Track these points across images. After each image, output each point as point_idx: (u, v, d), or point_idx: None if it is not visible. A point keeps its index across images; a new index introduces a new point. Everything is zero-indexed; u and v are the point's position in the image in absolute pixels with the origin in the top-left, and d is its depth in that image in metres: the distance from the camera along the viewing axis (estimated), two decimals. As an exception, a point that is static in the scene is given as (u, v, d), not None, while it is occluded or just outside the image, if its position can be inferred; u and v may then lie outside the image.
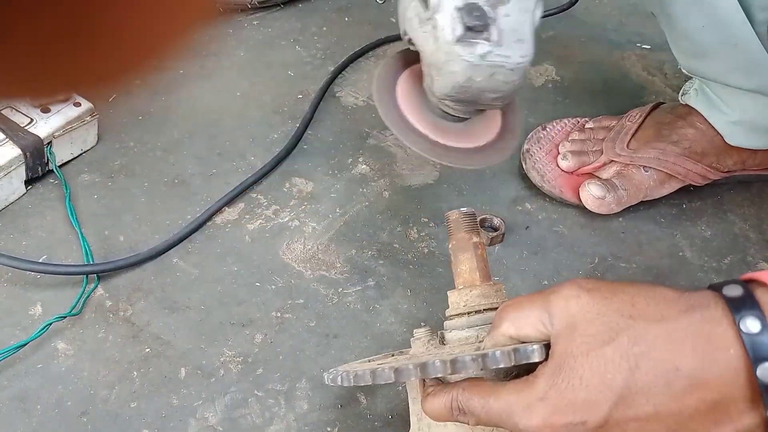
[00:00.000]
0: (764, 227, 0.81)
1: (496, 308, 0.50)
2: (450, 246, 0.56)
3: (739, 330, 0.37)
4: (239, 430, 0.62)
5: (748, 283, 0.39)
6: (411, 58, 0.62)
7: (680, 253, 0.78)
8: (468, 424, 0.45)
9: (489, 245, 0.76)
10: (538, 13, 0.55)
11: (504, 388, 0.43)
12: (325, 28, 1.04)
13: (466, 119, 0.62)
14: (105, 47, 0.18)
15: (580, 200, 0.79)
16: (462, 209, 0.56)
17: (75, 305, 0.68)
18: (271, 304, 0.71)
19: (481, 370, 0.44)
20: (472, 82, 0.53)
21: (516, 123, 0.64)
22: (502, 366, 0.43)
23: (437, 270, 0.74)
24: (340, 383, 0.50)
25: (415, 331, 0.54)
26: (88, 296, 0.69)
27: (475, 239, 0.55)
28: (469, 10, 0.52)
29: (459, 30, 0.52)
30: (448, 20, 0.52)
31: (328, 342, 0.68)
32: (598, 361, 0.39)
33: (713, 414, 0.38)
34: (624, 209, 0.80)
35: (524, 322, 0.43)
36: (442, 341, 0.53)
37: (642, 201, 0.80)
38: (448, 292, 0.54)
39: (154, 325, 0.68)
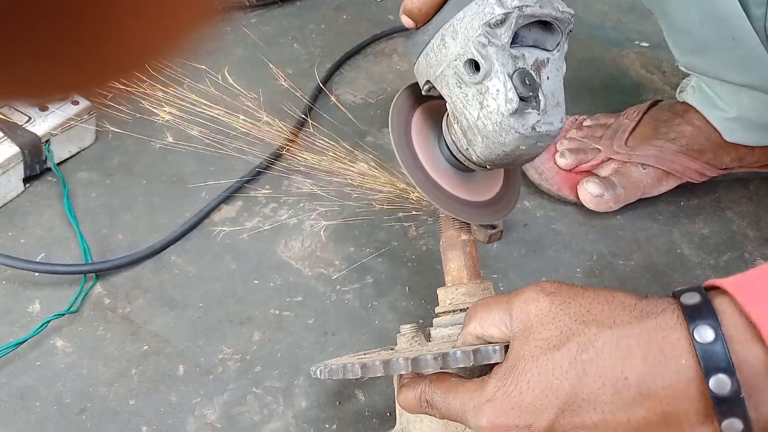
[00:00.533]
0: (762, 224, 0.81)
1: None
2: (441, 244, 0.56)
3: (692, 339, 0.36)
4: (238, 428, 0.62)
5: (709, 290, 0.38)
6: (419, 96, 0.58)
7: (678, 251, 0.78)
8: (436, 417, 0.46)
9: (487, 242, 0.76)
10: (563, 68, 0.53)
11: (462, 386, 0.43)
12: (323, 26, 1.04)
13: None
14: (105, 47, 0.18)
15: (578, 198, 0.79)
16: None
17: (73, 303, 0.68)
18: (270, 302, 0.71)
19: (441, 369, 0.44)
20: (519, 151, 0.50)
21: (517, 180, 0.61)
22: (461, 365, 0.43)
23: (435, 267, 0.74)
24: (318, 376, 0.51)
25: (401, 327, 0.54)
26: (87, 294, 0.69)
27: (464, 237, 0.55)
28: (521, 77, 0.48)
29: (515, 102, 0.48)
30: (501, 89, 0.48)
31: (326, 339, 0.68)
32: (547, 366, 0.39)
33: (664, 426, 0.37)
34: (622, 207, 0.80)
35: (489, 323, 0.43)
36: (428, 338, 0.53)
37: (640, 198, 0.80)
38: (438, 290, 0.55)
39: (152, 323, 0.68)
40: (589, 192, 0.78)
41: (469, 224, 0.56)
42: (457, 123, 0.52)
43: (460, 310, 0.52)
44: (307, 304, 0.71)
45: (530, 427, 0.39)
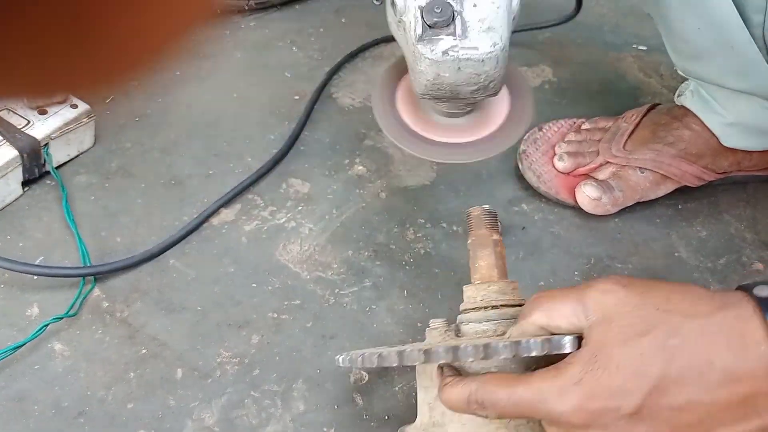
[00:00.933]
0: (759, 228, 0.81)
1: (513, 305, 0.52)
2: (469, 242, 0.56)
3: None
4: (236, 431, 0.62)
5: None
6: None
7: (676, 254, 0.78)
8: (487, 417, 0.46)
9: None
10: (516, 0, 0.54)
11: (533, 377, 0.44)
12: (322, 30, 1.04)
13: (465, 114, 0.62)
14: (102, 48, 0.18)
15: (576, 201, 0.79)
16: (484, 206, 0.57)
17: (72, 306, 0.68)
18: (268, 305, 0.71)
19: (514, 356, 0.45)
20: (442, 78, 0.53)
21: (523, 110, 0.62)
22: (534, 354, 0.44)
23: (434, 271, 0.75)
24: (361, 365, 0.51)
25: (431, 321, 0.54)
26: (85, 297, 0.69)
27: (495, 237, 0.56)
28: (430, 7, 0.51)
29: (419, 29, 0.52)
30: (412, 20, 0.52)
31: (324, 343, 0.68)
32: (634, 351, 0.41)
33: (742, 407, 0.40)
34: (620, 210, 0.80)
35: (557, 314, 0.45)
36: (458, 333, 0.54)
37: (638, 202, 0.80)
38: (465, 287, 0.55)
39: (150, 326, 0.68)
40: (587, 195, 0.78)
41: (498, 225, 0.57)
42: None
43: (492, 307, 0.52)
44: (306, 308, 0.71)
45: (619, 409, 0.41)
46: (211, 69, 0.96)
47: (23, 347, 0.65)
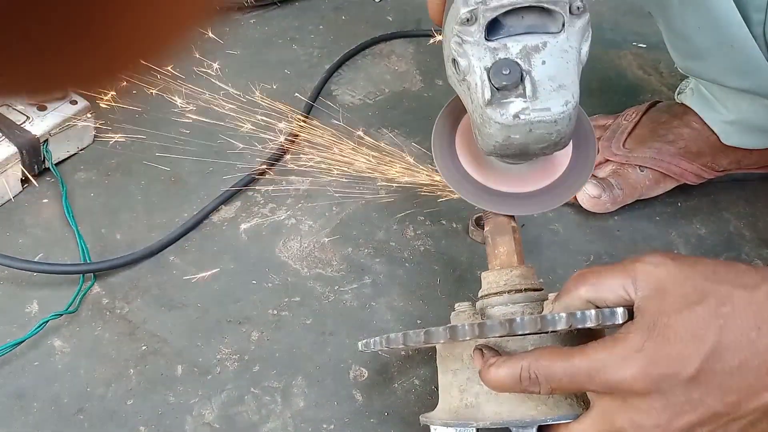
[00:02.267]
0: (759, 225, 0.81)
1: (536, 289, 0.54)
2: (487, 229, 0.57)
3: None
4: (236, 428, 0.62)
5: None
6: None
7: (675, 251, 0.78)
8: (538, 393, 0.47)
9: (484, 243, 0.77)
10: (585, 48, 0.52)
11: (589, 347, 0.45)
12: (322, 27, 1.04)
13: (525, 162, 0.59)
14: (104, 46, 0.18)
15: (576, 199, 0.79)
16: None
17: (71, 303, 0.68)
18: (268, 302, 0.71)
19: (570, 328, 0.47)
20: (512, 140, 0.51)
21: (587, 158, 0.59)
22: (588, 325, 0.46)
23: (433, 268, 0.75)
24: (383, 346, 0.53)
25: (456, 305, 0.56)
26: (85, 294, 0.70)
27: (513, 224, 0.57)
28: (497, 69, 0.49)
29: (488, 93, 0.49)
30: (478, 83, 0.50)
31: (324, 339, 0.68)
32: (690, 319, 0.43)
33: None
34: (619, 207, 0.80)
35: (605, 287, 0.47)
36: (483, 316, 0.55)
37: (637, 200, 0.80)
38: (484, 273, 0.56)
39: (150, 323, 0.68)
40: (587, 193, 0.78)
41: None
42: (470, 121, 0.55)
43: (516, 291, 0.54)
44: (306, 304, 0.71)
45: (678, 375, 0.43)
46: (211, 66, 0.95)
47: (23, 344, 0.65)
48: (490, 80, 0.49)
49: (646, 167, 0.79)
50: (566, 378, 0.45)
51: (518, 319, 0.47)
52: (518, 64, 0.49)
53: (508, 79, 0.49)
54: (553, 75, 0.50)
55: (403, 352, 0.68)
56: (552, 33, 0.50)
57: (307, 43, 1.01)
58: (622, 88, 0.97)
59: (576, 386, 0.46)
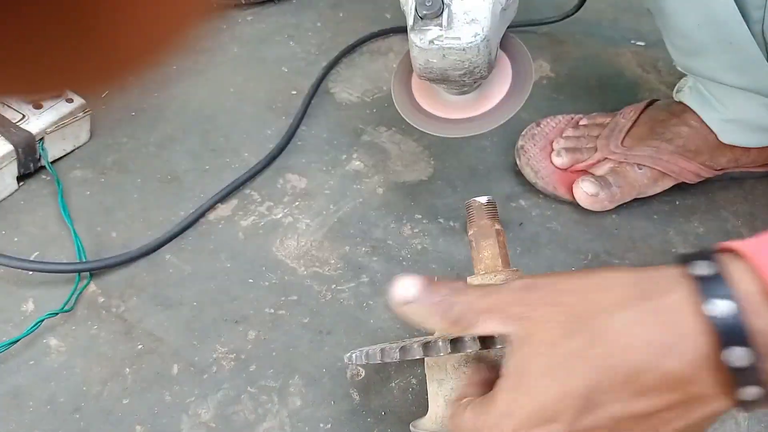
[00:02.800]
0: (757, 224, 0.81)
1: None
2: (470, 233, 0.57)
3: (705, 315, 0.35)
4: (232, 427, 0.62)
5: (719, 254, 0.37)
6: None
7: (673, 250, 0.78)
8: None
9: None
10: None
11: (466, 413, 0.41)
12: (319, 24, 1.04)
13: (465, 92, 0.69)
14: (99, 43, 0.18)
15: (574, 197, 0.79)
16: (483, 197, 0.58)
17: (67, 302, 0.67)
18: (265, 301, 0.71)
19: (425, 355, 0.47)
20: (432, 64, 0.61)
21: (523, 83, 0.69)
22: (442, 354, 0.45)
23: (431, 266, 0.74)
24: (363, 361, 0.52)
25: None
26: (81, 293, 0.69)
27: (497, 227, 0.56)
28: (422, 0, 0.59)
29: (411, 20, 0.59)
30: (408, 11, 0.60)
31: (321, 338, 0.68)
32: (556, 369, 0.37)
33: (684, 406, 0.36)
34: (617, 206, 0.80)
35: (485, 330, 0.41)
36: None
37: (635, 198, 0.80)
38: (469, 278, 0.55)
39: (146, 322, 0.68)
40: (585, 191, 0.78)
41: (497, 214, 0.58)
42: None
43: None
44: (303, 303, 0.71)
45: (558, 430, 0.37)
46: (208, 63, 0.95)
47: (18, 343, 0.64)
48: (416, 9, 0.59)
49: (645, 165, 0.79)
50: None
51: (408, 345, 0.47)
52: None
53: (429, 9, 0.58)
54: (468, 9, 0.59)
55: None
56: None
57: (304, 41, 1.01)
58: (620, 86, 0.97)
59: None
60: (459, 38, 0.59)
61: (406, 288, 0.42)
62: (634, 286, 0.37)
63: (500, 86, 0.70)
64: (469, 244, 0.57)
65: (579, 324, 0.37)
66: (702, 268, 0.36)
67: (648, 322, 0.36)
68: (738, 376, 0.35)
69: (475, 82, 0.66)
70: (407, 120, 0.70)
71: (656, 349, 0.35)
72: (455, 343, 0.45)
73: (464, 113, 0.69)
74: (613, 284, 0.38)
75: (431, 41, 0.59)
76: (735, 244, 0.36)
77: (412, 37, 0.60)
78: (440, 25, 0.59)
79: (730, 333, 0.34)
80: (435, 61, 0.60)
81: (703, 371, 0.35)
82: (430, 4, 0.58)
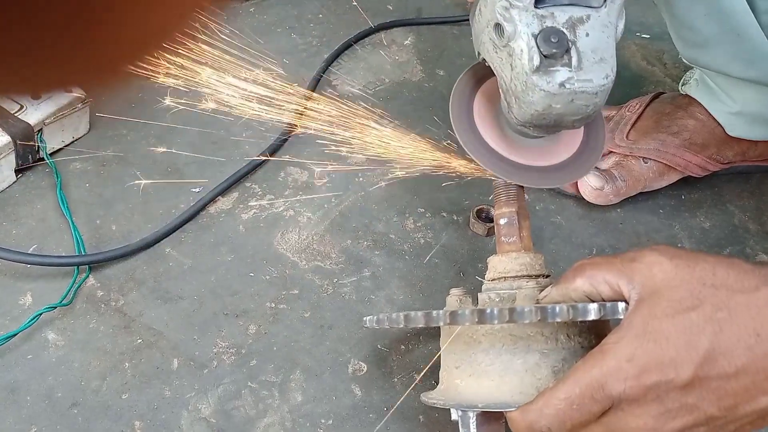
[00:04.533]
0: (764, 218, 0.80)
1: (547, 275, 0.55)
2: (508, 211, 0.57)
3: None
4: (232, 422, 0.61)
5: None
6: (483, 73, 0.60)
7: (679, 245, 0.77)
8: None
9: (486, 236, 0.76)
10: (621, 25, 0.52)
11: (579, 369, 0.45)
12: (321, 16, 1.03)
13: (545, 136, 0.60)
14: (103, 41, 0.18)
15: (578, 191, 0.78)
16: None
17: (66, 295, 0.67)
18: (266, 295, 0.70)
19: (571, 320, 0.47)
20: (552, 110, 0.51)
21: (599, 137, 0.61)
22: (590, 318, 0.46)
23: (433, 261, 0.74)
24: (383, 325, 0.54)
25: (451, 290, 0.57)
26: (79, 286, 0.68)
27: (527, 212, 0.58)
28: (545, 36, 0.50)
29: (536, 60, 0.50)
30: (524, 49, 0.50)
31: (322, 333, 0.67)
32: (684, 324, 0.42)
33: None
34: (623, 200, 0.79)
35: (601, 281, 0.46)
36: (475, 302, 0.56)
37: (640, 192, 0.79)
38: (515, 254, 0.56)
39: (146, 316, 0.67)
40: (590, 185, 0.77)
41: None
42: (502, 91, 0.54)
43: (543, 276, 0.55)
44: (304, 297, 0.70)
45: (672, 381, 0.42)
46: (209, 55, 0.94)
47: (16, 337, 0.64)
48: (538, 47, 0.49)
49: (650, 159, 0.78)
50: (573, 412, 0.44)
51: (518, 308, 0.47)
52: (565, 34, 0.50)
53: (557, 47, 0.49)
54: (595, 47, 0.51)
55: (402, 347, 0.67)
56: (594, 7, 0.51)
57: (306, 32, 1.00)
58: (626, 79, 0.96)
59: (586, 412, 0.45)
60: (591, 80, 0.50)
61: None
62: (754, 273, 0.43)
63: (573, 134, 0.61)
64: (494, 222, 0.58)
65: (706, 293, 0.43)
66: None
67: (766, 301, 0.42)
68: None
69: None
70: (481, 164, 0.59)
71: None
72: (454, 315, 0.47)
73: (540, 159, 0.59)
74: (741, 267, 0.44)
75: (561, 84, 0.50)
76: None
77: (536, 80, 0.50)
78: (569, 65, 0.50)
79: None
80: (559, 106, 0.51)
81: None
82: (557, 40, 0.50)
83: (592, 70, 0.50)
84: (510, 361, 0.51)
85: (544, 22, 0.50)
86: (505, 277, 0.55)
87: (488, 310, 0.48)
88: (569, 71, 0.50)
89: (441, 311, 0.50)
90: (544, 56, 0.50)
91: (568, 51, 0.50)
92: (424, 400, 0.56)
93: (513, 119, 0.54)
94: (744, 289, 0.43)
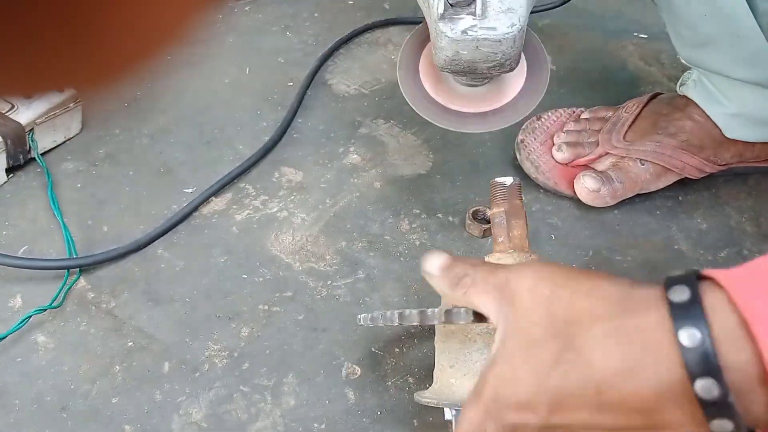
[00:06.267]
0: (761, 220, 0.80)
1: None
2: (497, 211, 0.57)
3: (677, 341, 0.34)
4: (224, 427, 0.60)
5: (702, 280, 0.36)
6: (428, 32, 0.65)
7: (675, 246, 0.77)
8: None
9: (482, 237, 0.75)
10: None
11: (464, 407, 0.42)
12: (316, 14, 1.02)
13: (482, 84, 0.65)
14: (100, 43, 0.18)
15: (575, 192, 0.77)
16: (509, 178, 0.58)
17: (56, 297, 0.66)
18: (259, 297, 0.69)
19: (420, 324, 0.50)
20: (460, 56, 0.55)
21: (541, 80, 0.65)
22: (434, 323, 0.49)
23: (428, 263, 0.73)
24: (378, 323, 0.55)
25: None
26: (70, 288, 0.68)
27: (524, 209, 0.58)
28: None
29: (441, 7, 0.54)
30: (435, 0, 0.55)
31: (316, 336, 0.67)
32: (536, 365, 0.38)
33: (650, 430, 0.36)
34: (619, 201, 0.78)
35: (476, 302, 0.44)
36: None
37: (637, 193, 0.79)
38: (486, 257, 0.56)
39: (137, 318, 0.67)
40: (586, 186, 0.76)
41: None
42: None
43: None
44: (297, 300, 0.69)
45: (529, 424, 0.39)
46: (203, 54, 0.93)
47: (5, 339, 0.63)
48: None
49: (647, 161, 0.77)
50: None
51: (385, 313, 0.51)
52: None
53: None
54: None
55: (397, 349, 0.66)
56: None
57: (301, 31, 0.99)
58: (623, 80, 0.95)
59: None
60: (495, 28, 0.54)
61: (431, 263, 0.48)
62: (618, 302, 0.37)
63: (514, 80, 0.65)
64: (491, 222, 0.58)
65: (560, 326, 0.38)
66: (680, 294, 0.35)
67: (622, 341, 0.36)
68: (708, 408, 0.34)
69: (499, 75, 0.63)
70: (419, 113, 0.66)
71: (623, 370, 0.35)
72: (449, 314, 0.47)
73: (477, 106, 0.65)
74: (602, 295, 0.38)
75: (464, 31, 0.54)
76: (716, 272, 0.35)
77: (441, 26, 0.55)
78: (473, 13, 0.54)
79: (700, 364, 0.33)
80: (465, 53, 0.55)
81: (669, 400, 0.34)
82: None
83: (498, 18, 0.54)
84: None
85: None
86: None
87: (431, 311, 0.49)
88: (473, 19, 0.54)
89: (436, 309, 0.50)
90: (450, 5, 0.54)
91: (472, 1, 0.54)
92: (417, 399, 0.55)
93: (437, 67, 0.59)
94: (601, 318, 0.37)
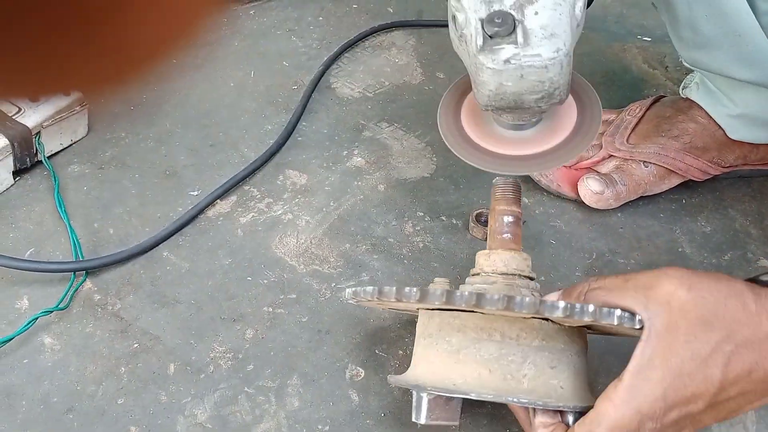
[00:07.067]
0: (765, 223, 0.80)
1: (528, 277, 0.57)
2: (497, 208, 0.58)
3: None
4: (228, 428, 0.61)
5: None
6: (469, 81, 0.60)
7: (679, 249, 0.77)
8: None
9: (485, 240, 0.75)
10: (579, 4, 0.53)
11: (611, 405, 0.47)
12: (321, 18, 1.02)
13: (531, 126, 0.60)
14: (104, 44, 0.18)
15: (578, 195, 0.77)
16: (515, 178, 0.59)
17: (62, 299, 0.66)
18: (263, 299, 0.69)
19: (565, 318, 0.49)
20: (505, 88, 0.52)
21: (591, 119, 0.60)
22: (586, 320, 0.49)
23: (432, 265, 0.73)
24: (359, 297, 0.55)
25: (435, 279, 0.59)
26: (76, 290, 0.68)
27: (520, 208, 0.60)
28: (490, 18, 0.51)
29: (480, 40, 0.51)
30: (472, 33, 0.52)
31: (320, 338, 0.67)
32: (700, 359, 0.46)
33: None
34: (623, 204, 0.78)
35: (620, 299, 0.49)
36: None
37: (641, 196, 0.79)
38: (499, 251, 0.57)
39: (143, 320, 0.67)
40: (590, 189, 0.76)
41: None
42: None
43: (522, 276, 0.57)
44: (302, 302, 0.69)
45: (691, 413, 0.47)
46: (208, 58, 0.94)
47: (12, 341, 0.63)
48: (483, 29, 0.51)
49: (651, 163, 0.77)
50: None
51: (518, 298, 0.49)
52: (511, 14, 0.51)
53: (500, 26, 0.51)
54: (545, 24, 0.51)
55: (401, 351, 0.66)
56: None
57: (306, 35, 0.99)
58: (626, 83, 0.95)
59: None
60: (539, 55, 0.51)
61: (549, 297, 0.53)
62: (755, 310, 0.47)
63: (565, 120, 0.60)
64: (489, 217, 0.60)
65: (719, 323, 0.47)
66: None
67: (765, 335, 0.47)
68: None
69: (549, 108, 0.57)
70: (462, 158, 0.61)
71: None
72: (480, 297, 0.48)
73: (529, 149, 0.60)
74: (742, 299, 0.48)
75: (506, 61, 0.51)
76: None
77: (482, 58, 0.51)
78: (515, 42, 0.51)
79: None
80: (510, 84, 0.52)
81: None
82: (500, 20, 0.51)
83: (541, 45, 0.51)
84: (469, 348, 0.53)
85: (492, 6, 0.51)
86: (479, 273, 0.57)
87: (457, 293, 0.50)
88: (515, 48, 0.51)
89: (414, 288, 0.51)
90: (489, 36, 0.51)
91: (514, 30, 0.51)
92: (390, 382, 0.57)
93: (480, 107, 0.56)
94: (748, 321, 0.47)
